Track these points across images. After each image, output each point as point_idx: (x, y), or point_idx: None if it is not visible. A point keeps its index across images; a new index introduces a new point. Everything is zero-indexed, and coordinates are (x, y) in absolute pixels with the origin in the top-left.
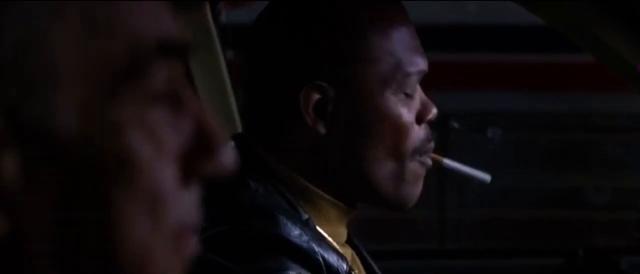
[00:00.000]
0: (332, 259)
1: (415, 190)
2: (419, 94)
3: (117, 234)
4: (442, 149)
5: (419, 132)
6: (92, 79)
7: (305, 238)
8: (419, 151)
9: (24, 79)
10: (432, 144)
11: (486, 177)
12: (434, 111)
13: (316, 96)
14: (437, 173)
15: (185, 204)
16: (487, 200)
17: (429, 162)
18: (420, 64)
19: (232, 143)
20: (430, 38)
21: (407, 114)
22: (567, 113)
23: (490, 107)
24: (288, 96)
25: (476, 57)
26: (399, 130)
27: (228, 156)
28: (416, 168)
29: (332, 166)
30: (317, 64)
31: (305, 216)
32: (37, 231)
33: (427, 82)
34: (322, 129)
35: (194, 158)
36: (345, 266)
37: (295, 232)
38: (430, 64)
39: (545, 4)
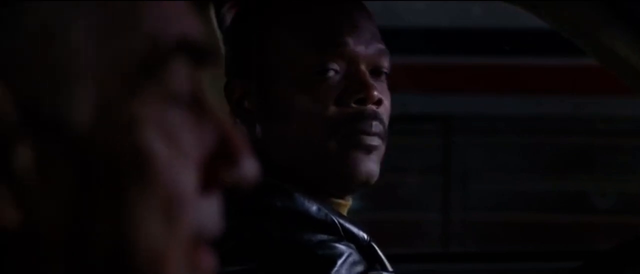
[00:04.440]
0: (353, 229)
1: (348, 169)
2: (348, 78)
3: (130, 234)
4: (445, 152)
5: (337, 112)
6: (109, 76)
7: (323, 211)
8: (340, 130)
9: (41, 73)
10: (366, 124)
11: None
12: (369, 93)
13: (237, 91)
14: (441, 176)
15: (204, 213)
16: (491, 203)
17: (365, 140)
18: (334, 45)
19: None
20: (436, 41)
21: (312, 98)
22: (572, 117)
23: (495, 111)
24: None
25: (480, 61)
26: (307, 114)
27: (251, 166)
28: (338, 149)
29: (275, 161)
30: (233, 59)
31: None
32: (49, 225)
33: (431, 84)
34: (242, 123)
35: (215, 166)
36: (365, 236)
37: (313, 208)
38: (434, 67)
39: (550, 8)
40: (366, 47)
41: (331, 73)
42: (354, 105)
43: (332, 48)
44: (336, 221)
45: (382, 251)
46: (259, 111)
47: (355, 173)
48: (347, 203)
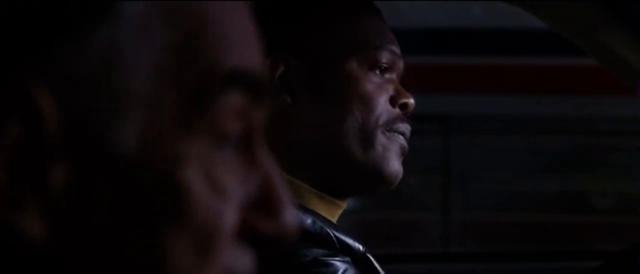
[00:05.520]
0: (348, 240)
1: (386, 162)
2: (395, 84)
3: (159, 265)
4: (444, 152)
5: (389, 109)
6: (163, 106)
7: (318, 224)
8: (387, 125)
9: (98, 93)
10: (405, 127)
11: None
12: (410, 101)
13: (281, 66)
14: (441, 176)
15: (236, 258)
16: (491, 203)
17: (402, 141)
18: (388, 50)
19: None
20: (435, 41)
21: (373, 86)
22: (572, 117)
23: (495, 111)
24: None
25: (480, 61)
26: (364, 98)
27: (291, 221)
28: (384, 140)
29: (304, 138)
30: (278, 35)
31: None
32: (76, 244)
33: (430, 84)
34: (287, 99)
35: (255, 216)
36: (361, 247)
37: (308, 221)
38: (433, 67)
39: (549, 8)
40: (401, 60)
41: (387, 75)
42: (398, 108)
43: (389, 53)
44: (331, 233)
45: (381, 251)
46: (306, 89)
47: (389, 167)
48: (343, 206)
